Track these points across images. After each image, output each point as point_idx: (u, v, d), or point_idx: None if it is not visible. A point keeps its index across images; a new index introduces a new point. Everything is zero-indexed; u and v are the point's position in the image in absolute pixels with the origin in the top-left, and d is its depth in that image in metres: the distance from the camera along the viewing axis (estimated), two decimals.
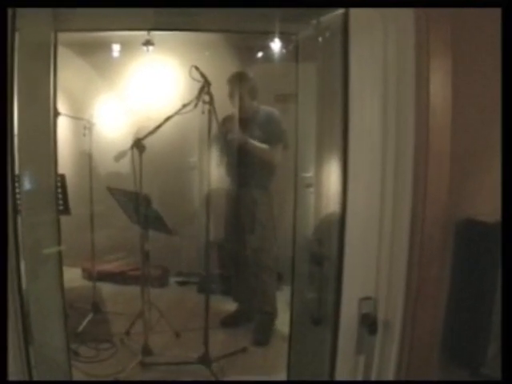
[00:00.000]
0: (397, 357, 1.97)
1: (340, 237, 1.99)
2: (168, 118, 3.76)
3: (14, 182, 2.00)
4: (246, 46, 5.25)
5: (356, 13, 1.92)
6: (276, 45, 4.66)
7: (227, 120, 4.44)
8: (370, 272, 1.94)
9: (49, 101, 2.56)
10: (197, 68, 3.61)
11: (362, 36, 1.93)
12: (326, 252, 2.42)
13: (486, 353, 1.95)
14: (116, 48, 5.41)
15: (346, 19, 1.93)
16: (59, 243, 2.79)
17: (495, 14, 1.82)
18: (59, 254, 2.79)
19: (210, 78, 3.69)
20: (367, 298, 1.94)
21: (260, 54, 5.10)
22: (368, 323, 1.91)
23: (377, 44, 1.92)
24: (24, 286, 2.17)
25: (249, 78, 4.46)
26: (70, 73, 5.20)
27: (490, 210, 1.95)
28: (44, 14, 2.37)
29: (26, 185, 2.47)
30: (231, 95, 4.42)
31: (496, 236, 1.86)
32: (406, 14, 1.86)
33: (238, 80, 4.41)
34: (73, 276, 5.58)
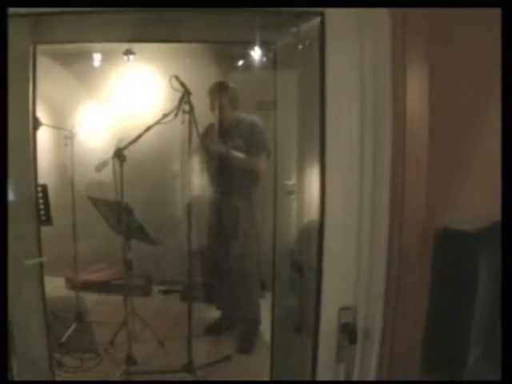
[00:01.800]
0: (377, 365, 1.98)
1: (319, 246, 2.00)
2: (148, 128, 3.77)
3: None
4: (227, 53, 5.25)
5: (332, 20, 1.93)
6: (257, 53, 4.67)
7: (209, 129, 4.44)
8: (349, 281, 1.95)
9: (28, 112, 2.56)
10: (177, 77, 3.61)
11: (338, 43, 1.94)
12: (306, 260, 2.44)
13: (466, 361, 1.97)
14: (97, 57, 5.41)
15: (322, 27, 1.95)
16: (40, 254, 2.78)
17: (475, 16, 1.84)
18: (40, 264, 2.78)
19: (191, 85, 3.70)
20: (347, 308, 1.95)
21: (241, 62, 5.11)
22: (348, 332, 1.92)
23: (353, 52, 1.93)
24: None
25: (229, 87, 4.45)
26: (51, 83, 5.21)
27: (468, 218, 1.97)
28: (22, 26, 2.36)
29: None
30: (212, 106, 4.41)
31: (474, 244, 1.89)
32: (382, 21, 1.88)
33: (219, 90, 4.40)
34: (56, 286, 5.56)
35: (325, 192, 1.97)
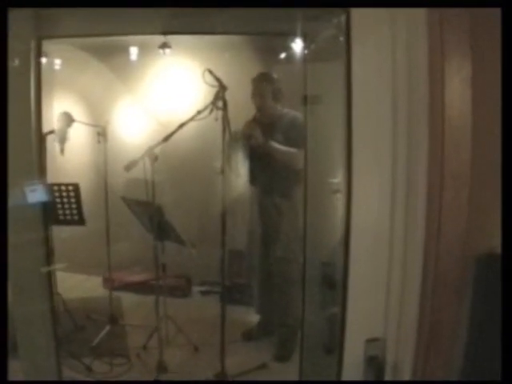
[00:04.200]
0: None
1: (344, 267, 1.79)
2: (181, 125, 3.60)
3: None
4: (268, 46, 5.08)
5: (361, 11, 1.73)
6: (298, 45, 4.47)
7: (248, 125, 4.26)
8: (378, 310, 1.73)
9: (30, 115, 2.42)
10: (210, 71, 3.43)
11: (366, 36, 1.75)
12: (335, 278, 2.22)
13: None
14: (134, 51, 5.28)
15: (348, 18, 1.75)
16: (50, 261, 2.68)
17: None
18: (49, 273, 2.67)
19: (231, 80, 3.56)
20: (374, 340, 1.72)
21: (282, 55, 4.92)
22: (374, 367, 1.70)
23: (385, 45, 1.73)
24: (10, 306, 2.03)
25: (273, 79, 4.31)
26: (88, 77, 5.15)
27: None
28: (24, 19, 2.20)
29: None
30: (254, 96, 4.28)
31: None
32: (417, 12, 1.66)
33: (262, 80, 4.29)
34: (94, 285, 5.52)
35: (350, 204, 1.75)
